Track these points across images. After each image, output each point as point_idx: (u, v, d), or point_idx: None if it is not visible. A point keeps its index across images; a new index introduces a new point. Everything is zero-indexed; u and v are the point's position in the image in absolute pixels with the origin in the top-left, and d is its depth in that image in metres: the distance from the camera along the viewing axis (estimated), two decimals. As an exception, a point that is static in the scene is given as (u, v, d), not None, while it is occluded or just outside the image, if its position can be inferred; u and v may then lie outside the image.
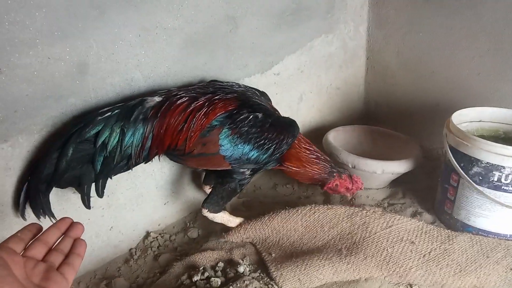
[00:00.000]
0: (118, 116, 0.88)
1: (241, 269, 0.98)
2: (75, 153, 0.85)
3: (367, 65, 1.72)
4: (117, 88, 0.98)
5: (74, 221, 0.66)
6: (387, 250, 0.98)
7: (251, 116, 0.97)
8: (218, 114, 0.95)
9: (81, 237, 0.65)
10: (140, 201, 1.12)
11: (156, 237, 1.16)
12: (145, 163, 0.96)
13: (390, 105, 1.69)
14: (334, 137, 1.44)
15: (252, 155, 0.99)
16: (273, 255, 1.03)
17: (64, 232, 0.64)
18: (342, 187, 1.13)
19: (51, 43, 0.84)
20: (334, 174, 1.12)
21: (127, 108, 0.90)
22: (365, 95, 1.78)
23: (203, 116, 0.94)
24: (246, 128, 0.96)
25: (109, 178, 0.92)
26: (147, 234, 1.17)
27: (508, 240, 1.06)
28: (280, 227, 1.08)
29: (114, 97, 0.98)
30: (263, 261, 1.02)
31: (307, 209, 1.10)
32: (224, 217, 1.11)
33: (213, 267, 1.00)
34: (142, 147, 0.91)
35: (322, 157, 1.13)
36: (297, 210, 1.10)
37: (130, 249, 1.13)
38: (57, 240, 0.63)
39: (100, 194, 0.91)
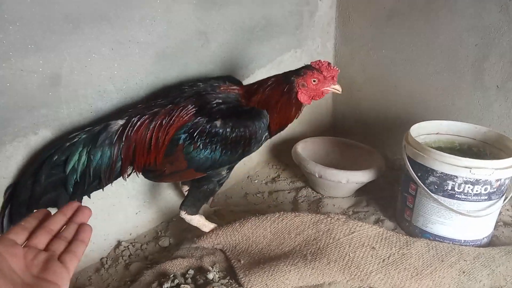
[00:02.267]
0: (85, 142, 0.92)
1: (210, 276, 1.01)
2: (48, 178, 0.89)
3: (335, 79, 1.79)
4: (89, 99, 1.00)
5: (81, 205, 0.64)
6: (349, 255, 1.03)
7: (209, 126, 0.97)
8: (177, 128, 0.97)
9: (87, 222, 0.62)
10: (111, 211, 1.14)
11: (127, 246, 1.18)
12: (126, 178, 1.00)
13: (356, 118, 1.77)
14: (303, 148, 1.49)
15: (223, 159, 1.00)
16: (242, 261, 1.06)
17: (70, 218, 0.62)
18: (309, 81, 1.02)
19: (25, 55, 0.86)
20: (292, 78, 1.02)
21: (93, 133, 0.93)
22: (333, 107, 1.85)
23: (164, 132, 0.97)
24: (207, 140, 0.97)
25: (85, 196, 0.96)
26: (119, 243, 1.18)
27: (462, 245, 1.13)
28: (250, 234, 1.12)
29: (86, 108, 1.00)
30: (232, 268, 1.05)
31: (276, 216, 1.14)
32: (200, 221, 1.14)
33: (183, 275, 1.03)
34: (111, 169, 0.95)
35: (272, 78, 1.05)
36: (267, 217, 1.14)
37: (101, 259, 1.14)
38: (62, 227, 0.60)
39: None
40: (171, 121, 0.97)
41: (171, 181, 1.07)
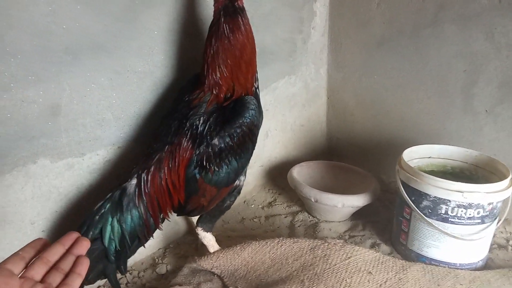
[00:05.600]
0: (111, 212, 0.92)
1: (208, 303, 1.01)
2: (91, 254, 0.89)
3: (328, 104, 1.83)
4: (88, 128, 1.02)
5: (80, 236, 0.64)
6: (346, 280, 1.03)
7: (210, 149, 0.98)
8: (185, 166, 0.98)
9: (84, 255, 0.63)
10: (108, 238, 1.13)
11: (124, 274, 1.17)
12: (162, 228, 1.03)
13: (350, 141, 1.79)
14: (298, 172, 1.51)
15: (242, 162, 1.03)
16: (239, 288, 1.06)
17: (68, 249, 0.62)
18: None
19: (25, 87, 0.88)
20: (237, 5, 0.99)
21: (115, 200, 0.93)
22: (327, 131, 1.88)
23: (176, 175, 0.98)
24: (217, 160, 0.98)
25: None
26: (115, 271, 1.18)
27: (457, 268, 1.14)
28: (249, 258, 1.12)
29: (85, 137, 1.01)
30: (230, 295, 1.05)
31: (275, 241, 1.15)
32: (211, 241, 1.17)
33: (181, 302, 1.03)
34: (146, 226, 0.97)
35: (213, 34, 0.99)
36: (267, 242, 1.15)
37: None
38: (60, 258, 0.61)
39: (123, 272, 0.96)
40: (177, 163, 0.98)
41: (214, 206, 1.09)
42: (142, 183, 0.95)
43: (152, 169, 0.97)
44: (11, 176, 0.91)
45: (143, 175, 0.96)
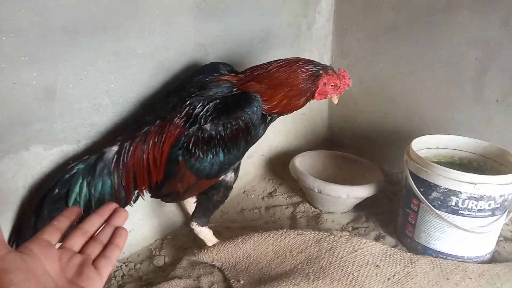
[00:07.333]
0: (83, 173, 0.88)
1: (210, 297, 0.97)
2: (52, 213, 0.85)
3: (331, 92, 1.78)
4: (84, 113, 0.96)
5: (119, 207, 0.62)
6: (353, 274, 1.00)
7: (200, 133, 0.92)
8: (171, 144, 0.94)
9: (123, 226, 0.61)
10: (105, 229, 1.09)
11: (120, 266, 1.13)
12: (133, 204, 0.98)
13: (353, 131, 1.75)
14: (300, 162, 1.47)
15: (229, 158, 0.97)
16: (242, 281, 1.02)
17: (106, 219, 0.60)
18: (330, 82, 1.02)
19: (18, 68, 0.82)
20: (321, 72, 1.00)
21: (90, 163, 0.89)
22: (329, 120, 1.84)
23: (159, 151, 0.93)
24: (204, 146, 0.93)
25: None
26: (112, 262, 1.13)
27: (466, 262, 1.11)
28: (251, 251, 1.09)
29: (81, 123, 0.96)
30: (232, 288, 1.01)
31: (278, 233, 1.11)
32: (208, 235, 1.13)
33: (181, 296, 0.99)
34: (116, 198, 0.92)
35: (301, 62, 1.00)
36: (269, 234, 1.11)
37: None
38: (98, 228, 0.59)
39: None
40: (163, 139, 0.93)
41: (190, 196, 1.06)
42: (123, 152, 0.91)
43: (137, 140, 0.93)
44: (2, 163, 0.85)
45: (126, 144, 0.92)
